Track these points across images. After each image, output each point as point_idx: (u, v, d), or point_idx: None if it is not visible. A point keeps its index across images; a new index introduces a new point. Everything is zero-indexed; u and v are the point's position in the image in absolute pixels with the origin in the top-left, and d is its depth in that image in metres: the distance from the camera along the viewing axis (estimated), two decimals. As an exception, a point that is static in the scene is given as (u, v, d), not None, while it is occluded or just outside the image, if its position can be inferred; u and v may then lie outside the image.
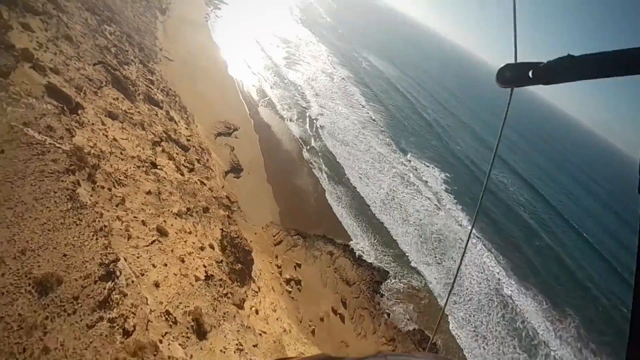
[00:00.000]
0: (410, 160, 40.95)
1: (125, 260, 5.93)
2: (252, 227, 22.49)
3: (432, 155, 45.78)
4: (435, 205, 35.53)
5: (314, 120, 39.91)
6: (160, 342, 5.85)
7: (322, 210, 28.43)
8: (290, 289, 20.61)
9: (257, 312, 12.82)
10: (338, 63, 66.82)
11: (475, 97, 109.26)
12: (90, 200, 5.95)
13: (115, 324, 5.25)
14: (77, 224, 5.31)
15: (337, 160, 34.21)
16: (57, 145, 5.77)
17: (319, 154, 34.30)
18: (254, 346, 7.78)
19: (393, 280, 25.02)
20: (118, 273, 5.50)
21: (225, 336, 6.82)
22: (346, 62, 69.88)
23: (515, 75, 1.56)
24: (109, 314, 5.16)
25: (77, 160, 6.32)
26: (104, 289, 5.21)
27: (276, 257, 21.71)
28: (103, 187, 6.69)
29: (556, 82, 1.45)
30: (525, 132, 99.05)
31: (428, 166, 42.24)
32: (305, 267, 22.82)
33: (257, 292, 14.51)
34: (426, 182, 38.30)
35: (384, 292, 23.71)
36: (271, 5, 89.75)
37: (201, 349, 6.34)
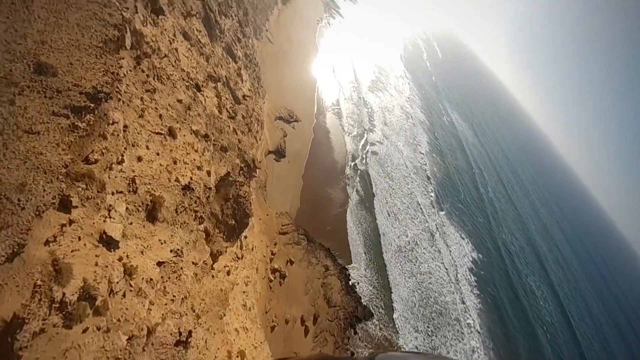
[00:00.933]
0: (445, 224, 39.09)
1: (124, 117, 6.44)
2: (267, 207, 22.93)
3: (472, 231, 43.21)
4: (452, 278, 33.31)
5: (371, 144, 40.04)
6: (111, 194, 6.10)
7: (337, 226, 28.11)
8: (273, 279, 20.49)
9: (228, 273, 12.95)
10: (419, 106, 66.72)
11: (541, 193, 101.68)
12: (123, 65, 6.65)
13: (80, 135, 5.62)
14: (96, 59, 5.91)
15: (374, 189, 33.77)
16: (122, 12, 6.58)
17: (361, 175, 34.18)
18: (194, 275, 7.83)
19: (373, 325, 23.74)
20: (106, 107, 5.89)
21: (171, 236, 7.01)
22: (427, 109, 69.52)
23: None
24: (80, 124, 5.56)
25: (135, 39, 7.20)
26: (87, 106, 5.67)
27: (275, 244, 21.81)
28: (143, 71, 7.45)
29: None
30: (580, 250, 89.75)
31: (463, 238, 39.94)
32: (297, 267, 22.60)
33: (238, 259, 14.67)
34: (453, 252, 36.18)
35: (358, 331, 22.56)
36: (382, 32, 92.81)
37: (143, 227, 6.59)
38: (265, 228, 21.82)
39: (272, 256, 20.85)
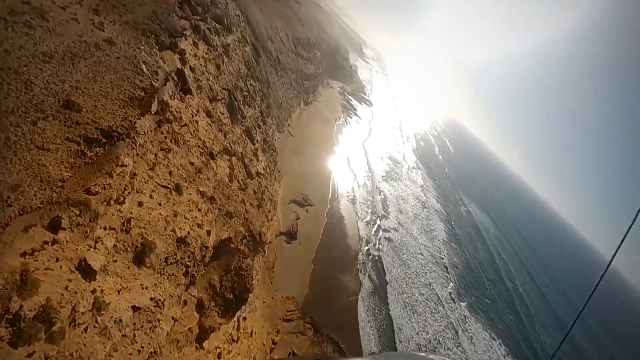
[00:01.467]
0: (470, 322, 35.29)
1: (135, 166, 6.90)
2: (272, 290, 21.88)
3: (503, 331, 38.52)
4: (484, 389, 28.61)
5: (385, 231, 39.44)
6: (102, 228, 6.09)
7: (348, 317, 25.93)
8: (272, 373, 18.32)
9: (219, 356, 11.89)
10: (434, 195, 67.19)
11: (574, 281, 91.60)
12: (142, 124, 7.52)
13: (85, 162, 5.99)
14: (119, 108, 6.67)
15: (388, 276, 32.03)
16: (152, 81, 7.75)
17: (374, 262, 32.88)
18: (172, 336, 7.09)
19: None
20: (118, 150, 6.37)
21: (155, 284, 6.58)
22: (442, 198, 69.70)
23: None
24: (88, 153, 6.00)
25: (160, 107, 8.31)
26: (99, 139, 6.19)
27: (277, 332, 20.10)
28: (162, 133, 8.32)
29: None
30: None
31: (494, 339, 35.51)
32: (301, 362, 20.31)
33: (233, 341, 13.60)
34: (482, 356, 31.81)
35: None
36: (396, 130, 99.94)
37: (127, 267, 6.30)
38: (269, 313, 20.48)
39: (273, 346, 19.04)
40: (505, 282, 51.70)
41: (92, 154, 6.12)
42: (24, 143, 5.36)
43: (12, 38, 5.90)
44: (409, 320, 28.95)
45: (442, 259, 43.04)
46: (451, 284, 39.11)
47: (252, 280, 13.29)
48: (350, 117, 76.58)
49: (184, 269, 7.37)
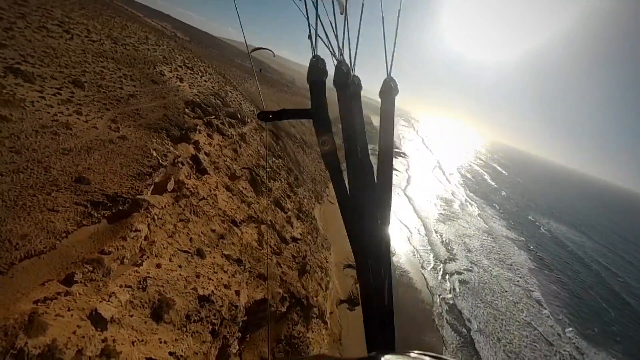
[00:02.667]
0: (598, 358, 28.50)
1: (153, 235, 7.45)
2: None
3: (653, 365, 30.24)
4: None
5: (457, 274, 35.83)
6: (117, 285, 6.36)
7: None
8: None
9: None
10: (501, 225, 61.06)
11: None
12: (161, 201, 8.40)
13: (93, 221, 6.66)
14: (126, 182, 7.63)
15: (474, 324, 27.98)
16: (161, 163, 8.99)
17: (452, 311, 29.26)
18: None
19: None
20: (133, 220, 6.99)
21: (175, 340, 6.36)
22: (512, 225, 62.86)
23: (263, 116, 2.31)
24: (94, 214, 6.65)
25: (177, 186, 9.36)
26: (105, 202, 6.89)
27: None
28: (180, 207, 9.14)
29: (280, 120, 2.33)
30: None
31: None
32: None
33: None
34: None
35: None
36: (434, 169, 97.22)
37: (144, 322, 6.17)
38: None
39: None
40: (629, 303, 42.32)
41: (99, 215, 7.02)
42: (37, 207, 6.44)
43: (40, 141, 7.55)
44: (519, 372, 24.26)
45: (533, 291, 37.19)
46: (558, 316, 32.94)
47: (308, 348, 12.52)
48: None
49: (210, 327, 7.34)
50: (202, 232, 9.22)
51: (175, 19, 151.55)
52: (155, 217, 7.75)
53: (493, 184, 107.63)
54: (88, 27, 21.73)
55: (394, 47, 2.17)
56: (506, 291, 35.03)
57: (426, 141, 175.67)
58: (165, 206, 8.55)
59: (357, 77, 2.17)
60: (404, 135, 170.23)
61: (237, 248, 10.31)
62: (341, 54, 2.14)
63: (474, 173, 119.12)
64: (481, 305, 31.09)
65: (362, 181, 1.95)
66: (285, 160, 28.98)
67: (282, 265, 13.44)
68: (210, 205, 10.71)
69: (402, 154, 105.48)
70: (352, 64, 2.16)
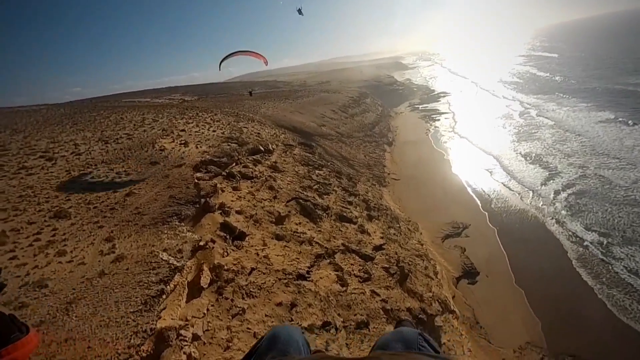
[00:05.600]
0: None
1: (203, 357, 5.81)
2: (497, 350, 17.01)
3: None
4: None
5: (569, 187, 30.32)
6: None
7: (613, 330, 17.86)
8: None
9: None
10: (589, 107, 51.61)
11: None
12: (197, 308, 6.77)
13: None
14: (136, 316, 6.05)
15: (618, 249, 22.74)
16: (175, 264, 7.34)
17: (580, 240, 24.17)
18: None
19: None
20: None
21: None
22: (600, 103, 52.82)
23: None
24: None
25: (214, 274, 7.76)
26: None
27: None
28: (226, 299, 7.51)
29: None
30: None
31: None
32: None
33: None
34: None
35: None
36: (479, 93, 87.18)
37: None
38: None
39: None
40: None
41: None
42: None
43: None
44: None
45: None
46: None
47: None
48: (437, 120, 70.58)
49: None
50: (266, 316, 7.52)
51: (184, 85, 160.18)
52: (197, 336, 6.19)
53: (545, 75, 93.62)
54: (76, 141, 22.01)
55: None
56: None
57: (455, 70, 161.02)
58: (208, 309, 7.00)
59: None
60: (431, 75, 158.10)
61: (316, 309, 8.45)
62: None
63: (520, 75, 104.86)
64: (615, 214, 25.57)
65: None
66: (329, 165, 26.91)
67: (378, 293, 11.27)
68: (265, 273, 9.01)
69: (441, 95, 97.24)
70: None
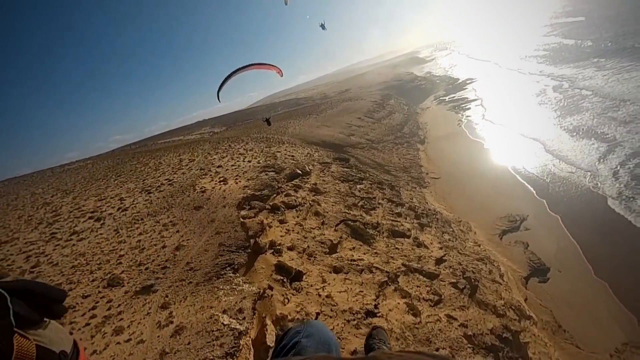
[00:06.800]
0: None
1: None
2: (590, 357, 15.16)
3: None
4: None
5: (633, 157, 27.32)
6: None
7: None
8: None
9: None
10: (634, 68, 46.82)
11: None
12: None
13: None
14: None
15: None
16: (236, 328, 6.97)
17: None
18: None
19: None
20: None
21: None
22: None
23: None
24: None
25: (278, 326, 7.40)
26: None
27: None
28: None
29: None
30: None
31: None
32: None
33: None
34: None
35: None
36: (508, 71, 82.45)
37: None
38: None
39: None
40: None
41: None
42: None
43: None
44: None
45: None
46: None
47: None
48: (468, 109, 67.75)
49: None
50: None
51: (210, 118, 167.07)
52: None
53: (574, 42, 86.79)
54: (121, 195, 22.94)
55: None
56: None
57: (474, 54, 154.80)
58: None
59: None
60: (450, 64, 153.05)
61: (395, 350, 7.89)
62: None
63: (546, 47, 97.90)
64: None
65: None
66: (368, 177, 26.27)
67: (455, 317, 10.41)
68: (331, 316, 8.52)
69: (466, 82, 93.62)
70: None
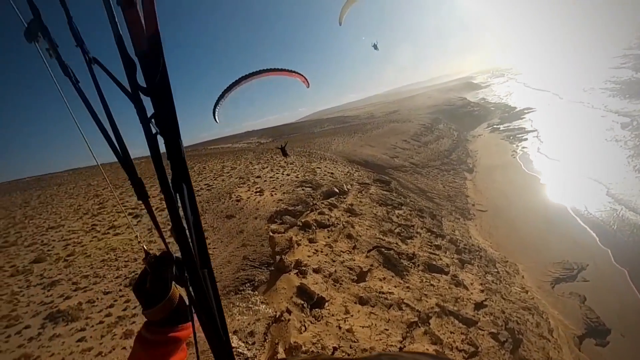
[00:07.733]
0: None
1: None
2: None
3: None
4: None
5: None
6: None
7: None
8: None
9: None
10: None
11: None
12: None
13: None
14: None
15: None
16: (244, 351, 6.54)
17: None
18: None
19: None
20: None
21: None
22: None
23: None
24: None
25: (291, 356, 6.88)
26: None
27: None
28: None
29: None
30: None
31: None
32: None
33: None
34: None
35: None
36: (571, 104, 76.07)
37: None
38: None
39: None
40: None
41: None
42: None
43: None
44: None
45: None
46: None
47: None
48: (524, 139, 63.46)
49: None
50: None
51: (259, 129, 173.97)
52: None
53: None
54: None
55: None
56: None
57: (534, 83, 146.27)
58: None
59: None
60: (507, 92, 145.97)
61: None
62: None
63: (617, 80, 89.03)
64: None
65: None
66: (409, 203, 25.17)
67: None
68: (349, 353, 7.89)
69: (524, 111, 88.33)
70: None
